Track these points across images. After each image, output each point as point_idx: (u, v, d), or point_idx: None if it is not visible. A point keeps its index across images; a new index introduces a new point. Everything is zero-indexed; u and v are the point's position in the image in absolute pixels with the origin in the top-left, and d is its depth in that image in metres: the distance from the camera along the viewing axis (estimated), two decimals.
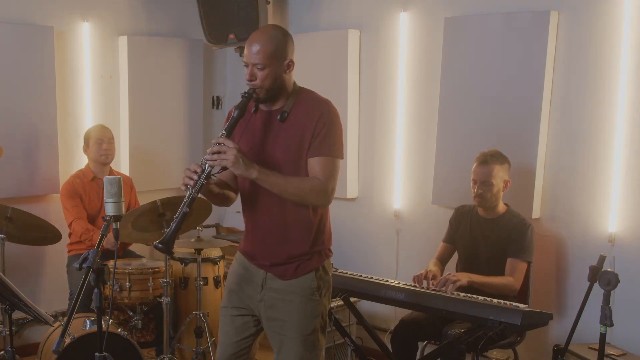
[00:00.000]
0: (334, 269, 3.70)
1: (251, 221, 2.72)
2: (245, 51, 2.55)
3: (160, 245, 2.48)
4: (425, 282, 3.43)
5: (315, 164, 2.56)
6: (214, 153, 2.46)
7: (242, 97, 2.54)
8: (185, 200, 2.47)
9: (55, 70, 4.62)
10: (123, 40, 4.96)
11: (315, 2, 4.95)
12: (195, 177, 2.46)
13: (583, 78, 3.67)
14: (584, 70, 3.66)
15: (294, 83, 2.67)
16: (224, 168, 2.50)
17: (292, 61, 2.59)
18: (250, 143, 2.63)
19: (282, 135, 2.58)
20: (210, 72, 5.52)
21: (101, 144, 4.39)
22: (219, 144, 2.46)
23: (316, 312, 2.66)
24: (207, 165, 2.46)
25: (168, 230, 2.50)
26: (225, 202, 2.81)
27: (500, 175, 3.52)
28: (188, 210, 2.47)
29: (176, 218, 2.48)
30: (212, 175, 2.50)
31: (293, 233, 2.63)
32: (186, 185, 2.47)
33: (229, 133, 2.52)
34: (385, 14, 4.53)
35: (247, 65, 2.55)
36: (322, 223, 2.72)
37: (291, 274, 2.63)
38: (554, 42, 3.72)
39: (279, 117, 2.58)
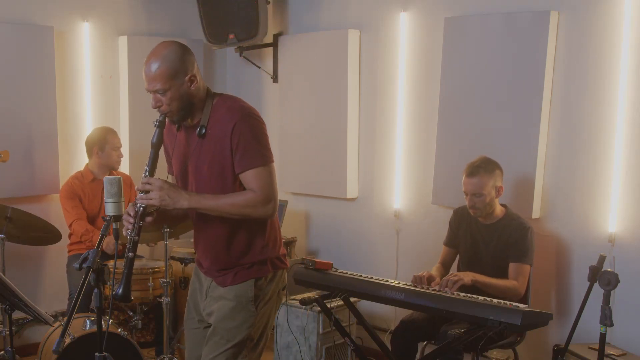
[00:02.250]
0: (334, 269, 3.70)
1: (196, 230, 2.70)
2: (144, 78, 2.48)
3: (117, 297, 2.40)
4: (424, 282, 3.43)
5: (246, 179, 2.48)
6: (141, 193, 2.43)
7: (155, 126, 2.50)
8: (127, 246, 2.42)
9: (55, 70, 4.62)
10: (123, 40, 4.96)
11: (315, 2, 4.95)
12: (132, 220, 2.42)
13: (583, 78, 3.67)
14: (584, 70, 3.66)
15: (208, 91, 2.57)
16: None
17: (194, 75, 2.48)
18: (180, 162, 2.61)
19: (204, 150, 2.52)
20: (210, 72, 5.52)
21: (117, 151, 4.43)
22: (145, 183, 2.43)
23: (248, 322, 2.57)
24: (139, 206, 2.43)
25: (120, 281, 2.41)
26: (189, 217, 2.77)
27: (490, 184, 3.49)
28: (133, 254, 2.41)
29: (125, 265, 2.40)
30: (150, 213, 2.44)
31: (231, 242, 2.58)
32: (126, 230, 2.43)
33: (152, 169, 2.48)
34: (385, 14, 4.53)
35: (150, 92, 2.49)
36: (264, 232, 2.61)
37: (230, 281, 2.59)
38: (554, 42, 3.72)
39: (197, 132, 2.52)
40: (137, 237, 2.41)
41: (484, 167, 3.49)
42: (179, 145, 2.61)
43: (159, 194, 2.40)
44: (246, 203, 2.46)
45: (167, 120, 2.53)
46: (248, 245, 2.59)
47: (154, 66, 2.44)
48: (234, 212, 2.48)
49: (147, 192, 2.42)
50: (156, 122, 2.50)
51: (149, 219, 2.43)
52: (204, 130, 2.50)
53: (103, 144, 4.41)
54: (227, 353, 2.56)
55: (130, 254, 2.39)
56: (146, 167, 2.48)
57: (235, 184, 2.52)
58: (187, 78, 2.47)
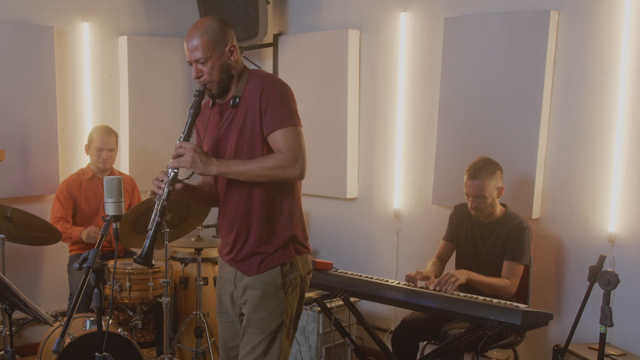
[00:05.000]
0: (334, 269, 3.70)
1: (220, 218, 2.71)
2: (185, 51, 2.54)
3: (139, 259, 2.45)
4: (419, 281, 3.43)
5: (275, 140, 2.49)
6: (174, 157, 2.46)
7: (194, 96, 2.53)
8: (155, 210, 2.46)
9: (55, 70, 4.62)
10: (123, 40, 4.96)
11: (315, 2, 4.95)
12: (163, 185, 2.46)
13: (583, 78, 3.67)
14: (584, 70, 3.66)
15: (245, 67, 2.62)
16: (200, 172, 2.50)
17: (234, 46, 2.55)
18: (212, 138, 2.63)
19: (235, 120, 2.56)
20: None
21: (100, 152, 4.34)
22: (179, 147, 2.47)
23: (279, 309, 2.59)
24: (170, 171, 2.46)
25: (145, 243, 2.46)
26: (212, 202, 2.81)
27: (492, 185, 3.50)
28: (160, 219, 2.46)
29: (150, 229, 2.45)
30: (179, 180, 2.49)
31: (254, 229, 2.58)
32: (154, 194, 2.48)
33: (187, 135, 2.52)
34: (385, 14, 4.53)
35: (191, 64, 2.54)
36: (287, 218, 2.62)
37: (255, 270, 2.59)
38: (554, 42, 3.72)
39: (230, 103, 2.56)
40: (165, 202, 2.46)
41: (485, 169, 3.50)
42: (212, 124, 2.64)
43: (191, 155, 2.43)
44: (275, 164, 2.46)
45: (205, 94, 2.56)
46: (270, 233, 2.59)
47: (196, 36, 2.50)
48: (263, 175, 2.48)
49: (180, 156, 2.45)
50: (196, 92, 2.53)
51: (178, 185, 2.48)
52: (237, 100, 2.54)
53: (90, 143, 4.40)
54: (264, 343, 2.58)
55: (159, 218, 2.44)
56: (181, 134, 2.51)
57: (264, 150, 2.54)
58: (227, 49, 2.53)
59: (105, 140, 4.35)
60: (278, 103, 2.49)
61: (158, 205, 2.46)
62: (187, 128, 2.52)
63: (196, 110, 2.52)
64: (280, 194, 2.59)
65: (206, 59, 2.49)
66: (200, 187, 2.78)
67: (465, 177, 3.55)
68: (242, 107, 2.54)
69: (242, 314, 2.67)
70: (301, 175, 2.52)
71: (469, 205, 3.56)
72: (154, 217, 2.45)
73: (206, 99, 2.60)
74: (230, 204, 2.62)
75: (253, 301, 2.59)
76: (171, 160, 2.47)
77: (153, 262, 4.11)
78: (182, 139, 2.50)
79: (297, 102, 2.59)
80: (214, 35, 2.50)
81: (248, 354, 2.60)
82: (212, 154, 2.58)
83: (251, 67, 5.23)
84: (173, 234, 3.94)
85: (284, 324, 2.61)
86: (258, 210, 2.57)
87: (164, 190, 2.46)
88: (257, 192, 2.55)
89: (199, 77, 2.53)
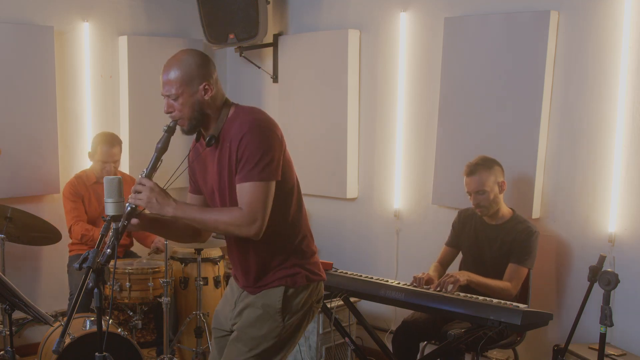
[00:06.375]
0: (334, 269, 3.70)
1: (227, 245, 2.66)
2: (160, 81, 2.46)
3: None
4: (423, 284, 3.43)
5: (241, 192, 2.40)
6: (134, 192, 2.40)
7: (164, 131, 2.45)
8: (109, 242, 2.33)
9: (55, 70, 4.62)
10: (123, 40, 4.96)
11: (315, 2, 4.95)
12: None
13: (583, 78, 3.67)
14: (584, 70, 3.66)
15: (226, 101, 2.52)
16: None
17: (209, 84, 2.44)
18: (202, 173, 2.59)
19: (219, 161, 2.48)
20: None
21: (105, 164, 4.30)
22: (138, 183, 2.40)
23: (273, 333, 2.50)
24: (127, 205, 2.40)
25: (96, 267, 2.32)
26: (191, 238, 2.70)
27: (491, 180, 3.49)
28: (113, 252, 2.32)
29: (102, 256, 2.31)
30: (137, 215, 2.41)
31: (254, 259, 2.52)
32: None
33: (150, 171, 2.43)
34: (385, 14, 4.53)
35: (164, 97, 2.47)
36: (287, 245, 2.54)
37: (259, 290, 2.54)
38: (554, 42, 3.72)
39: (206, 142, 2.48)
40: (120, 236, 2.35)
41: (482, 164, 3.50)
42: (200, 159, 2.58)
43: (147, 195, 2.37)
44: (231, 221, 2.38)
45: (179, 129, 2.49)
46: (276, 256, 2.52)
47: (171, 70, 2.43)
48: (217, 228, 2.43)
49: (138, 192, 2.39)
50: (166, 127, 2.46)
51: (134, 220, 2.41)
52: (213, 141, 2.46)
53: (94, 152, 4.36)
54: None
55: (109, 251, 2.30)
56: (144, 170, 2.44)
57: None
58: (201, 87, 2.43)
59: (109, 154, 4.30)
60: (254, 154, 2.36)
61: (111, 239, 2.34)
62: (151, 164, 2.43)
63: (163, 146, 2.44)
64: (285, 220, 2.52)
65: (177, 95, 2.42)
66: (172, 222, 2.59)
67: (464, 176, 3.55)
68: (223, 149, 2.45)
69: (229, 334, 2.62)
70: (256, 236, 2.39)
71: (472, 204, 3.56)
72: (105, 249, 2.31)
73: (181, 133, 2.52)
74: (237, 240, 2.55)
75: (249, 318, 2.53)
76: (131, 194, 2.41)
77: (153, 264, 4.15)
78: (144, 175, 2.42)
79: (283, 143, 2.47)
80: (188, 72, 2.42)
81: None
82: (210, 197, 2.54)
83: (251, 67, 5.29)
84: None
85: (274, 347, 2.52)
86: (266, 240, 2.46)
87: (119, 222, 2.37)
88: None
89: (169, 112, 2.46)
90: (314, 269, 2.58)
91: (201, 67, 2.45)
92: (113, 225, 2.36)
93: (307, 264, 2.56)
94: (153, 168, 2.44)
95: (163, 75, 2.45)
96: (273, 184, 2.41)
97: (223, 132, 2.46)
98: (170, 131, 2.45)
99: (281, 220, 2.50)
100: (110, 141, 4.34)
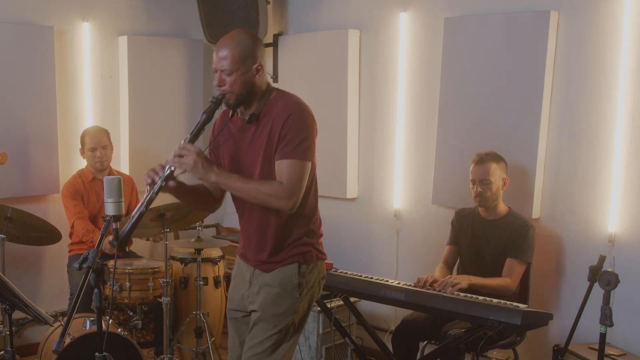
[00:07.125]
0: (334, 269, 3.70)
1: (241, 223, 2.74)
2: (214, 57, 2.55)
3: (115, 242, 2.42)
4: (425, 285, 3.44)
5: (280, 167, 2.52)
6: (176, 156, 2.47)
7: (210, 102, 2.54)
8: (143, 200, 2.47)
9: (55, 70, 4.62)
10: (123, 40, 4.96)
11: (315, 2, 4.95)
12: (157, 178, 2.48)
13: (583, 78, 3.67)
14: (584, 70, 3.66)
15: (268, 85, 2.63)
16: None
17: (261, 65, 2.57)
18: (230, 149, 2.65)
19: (255, 138, 2.58)
20: (210, 72, 5.51)
21: (95, 151, 4.35)
22: (183, 148, 2.48)
23: (292, 308, 2.62)
24: (167, 167, 2.47)
25: (124, 228, 2.45)
26: (205, 207, 2.85)
27: (497, 173, 3.54)
28: (145, 210, 2.47)
29: (133, 217, 2.46)
30: (174, 178, 2.49)
31: (273, 233, 2.61)
32: (147, 184, 2.49)
33: (194, 137, 2.52)
34: (385, 14, 4.53)
35: (216, 71, 2.55)
36: (310, 222, 2.67)
37: (274, 267, 2.63)
38: (554, 42, 3.72)
39: (247, 119, 2.57)
40: (155, 195, 2.47)
41: (492, 156, 3.56)
42: (232, 134, 2.65)
43: (194, 159, 2.45)
44: (270, 192, 2.49)
45: (223, 103, 2.57)
46: (294, 233, 2.62)
47: (228, 47, 2.52)
48: (256, 197, 2.52)
49: (181, 156, 2.46)
50: (213, 98, 2.55)
51: (171, 182, 2.48)
52: (254, 117, 2.55)
53: (83, 145, 4.42)
54: (273, 338, 2.60)
55: (144, 208, 2.45)
56: (188, 135, 2.52)
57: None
58: (254, 66, 2.54)
59: (96, 139, 4.37)
60: (297, 134, 2.50)
61: (147, 196, 2.47)
62: (195, 130, 2.53)
63: (208, 116, 2.53)
64: (309, 201, 2.64)
65: (231, 71, 2.51)
66: (196, 189, 2.77)
67: (471, 164, 3.58)
68: (262, 127, 2.55)
69: (248, 314, 2.70)
70: (292, 210, 2.53)
71: (473, 193, 3.57)
72: (140, 206, 2.46)
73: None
74: (248, 211, 2.65)
75: (269, 297, 2.62)
76: (172, 157, 2.48)
77: (154, 264, 4.15)
78: (187, 140, 2.51)
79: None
80: (245, 50, 2.52)
81: (255, 347, 2.62)
82: (231, 167, 2.61)
83: None
84: (176, 227, 3.90)
85: (293, 323, 2.64)
86: (275, 219, 2.59)
87: (156, 182, 2.47)
88: None
89: (220, 86, 2.54)
90: (321, 249, 2.73)
91: (256, 49, 2.55)
92: (114, 225, 2.37)
93: (316, 243, 2.69)
94: (196, 135, 2.54)
95: (218, 51, 2.54)
96: (309, 165, 2.55)
97: (264, 111, 2.56)
98: (217, 103, 2.55)
99: (307, 201, 2.62)
100: (95, 129, 4.46)
